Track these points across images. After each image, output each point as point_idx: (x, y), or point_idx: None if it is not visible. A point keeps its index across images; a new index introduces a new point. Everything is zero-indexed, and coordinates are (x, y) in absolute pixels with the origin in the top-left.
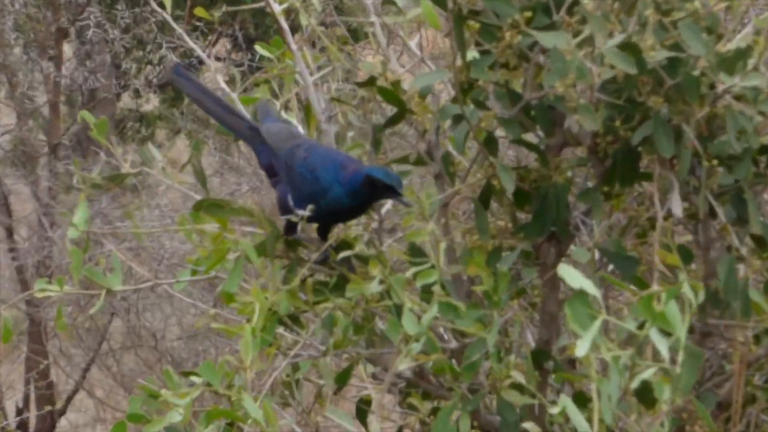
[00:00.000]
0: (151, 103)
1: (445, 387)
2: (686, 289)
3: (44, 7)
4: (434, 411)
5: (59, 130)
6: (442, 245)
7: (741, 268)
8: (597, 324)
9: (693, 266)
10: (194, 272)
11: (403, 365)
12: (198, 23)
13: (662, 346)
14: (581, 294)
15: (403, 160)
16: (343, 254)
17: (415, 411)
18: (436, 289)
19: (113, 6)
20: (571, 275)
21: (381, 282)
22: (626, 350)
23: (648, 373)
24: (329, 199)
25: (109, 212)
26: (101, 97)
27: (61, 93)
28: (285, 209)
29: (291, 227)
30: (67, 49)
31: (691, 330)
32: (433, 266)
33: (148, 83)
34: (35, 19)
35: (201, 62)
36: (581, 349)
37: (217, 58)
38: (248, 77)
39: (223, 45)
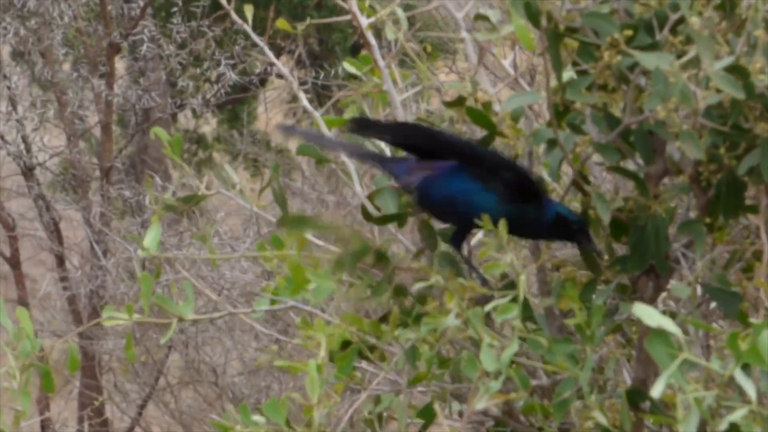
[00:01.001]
0: (209, 123)
1: (535, 427)
2: None
3: (95, 20)
4: None
5: (111, 152)
6: (523, 278)
7: None
8: (676, 363)
9: None
10: (273, 302)
11: (481, 404)
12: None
13: (748, 386)
14: (661, 332)
15: None
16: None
17: None
18: (517, 324)
19: (168, 20)
20: (647, 314)
21: (458, 315)
22: (711, 390)
23: (737, 415)
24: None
25: (165, 240)
26: (156, 117)
27: (113, 112)
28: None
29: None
30: (120, 65)
31: None
32: (513, 300)
33: (206, 102)
34: (86, 34)
35: (263, 81)
36: (657, 389)
37: (279, 76)
38: (313, 96)
39: (286, 62)
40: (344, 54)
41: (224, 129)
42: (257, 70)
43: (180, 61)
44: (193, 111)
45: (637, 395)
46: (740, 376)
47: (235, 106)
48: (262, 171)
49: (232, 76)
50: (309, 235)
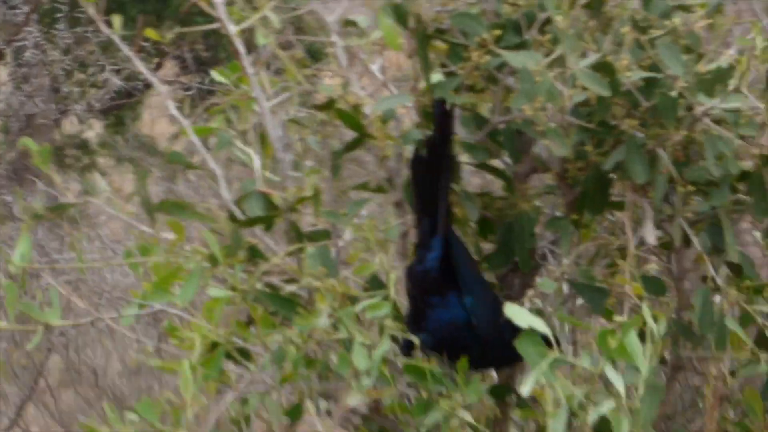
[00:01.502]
0: (94, 129)
1: (404, 424)
2: (648, 320)
3: None
4: None
5: None
6: (393, 276)
7: (716, 299)
8: (546, 362)
9: (665, 298)
10: (142, 306)
11: (354, 401)
12: (144, 44)
13: (617, 381)
14: (532, 331)
15: (363, 187)
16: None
17: None
18: (388, 322)
19: (53, 26)
20: (517, 313)
21: (330, 315)
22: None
23: (606, 408)
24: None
25: (46, 243)
26: (39, 122)
27: None
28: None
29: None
30: (3, 72)
31: (663, 362)
32: (385, 298)
33: (90, 108)
34: None
35: (147, 86)
36: (525, 388)
37: (166, 82)
38: (198, 101)
39: (171, 67)
40: (230, 59)
41: (109, 134)
42: (141, 76)
43: (64, 67)
44: (78, 116)
45: (502, 390)
46: (610, 373)
47: (120, 111)
48: (147, 176)
49: (116, 82)
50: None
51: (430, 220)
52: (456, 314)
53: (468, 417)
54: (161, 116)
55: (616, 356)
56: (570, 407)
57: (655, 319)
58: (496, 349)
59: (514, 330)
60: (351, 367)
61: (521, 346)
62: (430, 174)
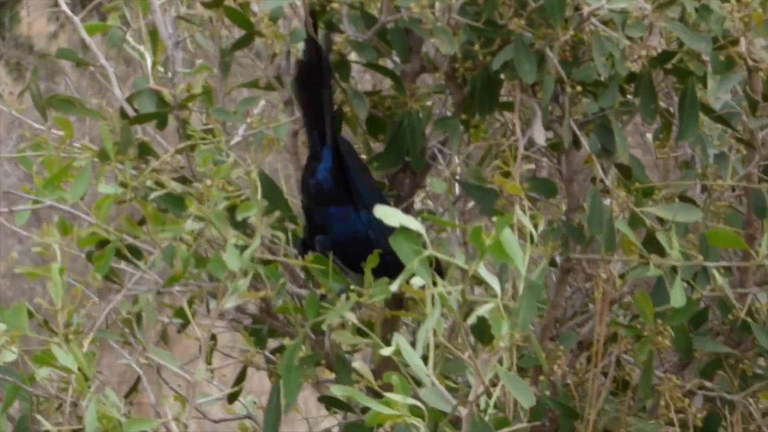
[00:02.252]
0: None
1: (293, 324)
2: (523, 218)
3: None
4: (280, 349)
5: None
6: (254, 174)
7: (606, 201)
8: (419, 259)
9: (556, 200)
10: (35, 202)
11: (230, 303)
12: None
13: (493, 281)
14: (406, 229)
15: (252, 84)
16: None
17: (261, 349)
18: (255, 221)
19: None
20: (387, 214)
21: (198, 218)
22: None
23: (484, 309)
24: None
25: None
26: None
27: None
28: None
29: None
30: None
31: (552, 265)
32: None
33: None
34: None
35: None
36: (394, 285)
37: None
38: (78, 3)
39: None
40: None
41: None
42: None
43: None
44: None
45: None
46: (484, 272)
47: None
48: (24, 75)
49: None
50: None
51: (319, 131)
52: (355, 228)
53: (353, 318)
54: (39, 16)
55: (491, 254)
56: (447, 307)
57: (535, 218)
58: (394, 260)
59: None
60: (226, 268)
61: (395, 243)
62: (314, 87)
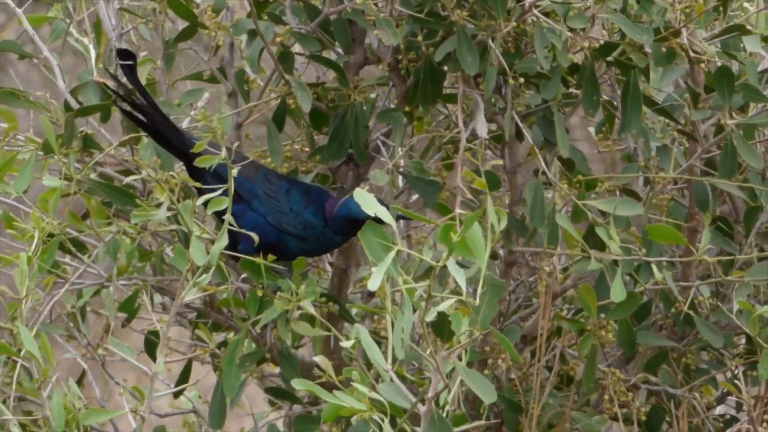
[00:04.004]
0: None
1: (239, 318)
2: (491, 214)
3: None
4: (224, 343)
5: None
6: (234, 171)
7: (549, 194)
8: (391, 255)
9: (499, 192)
10: None
11: (190, 296)
12: None
13: (460, 277)
14: (375, 224)
15: (196, 77)
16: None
17: (206, 343)
18: (228, 217)
19: None
20: (366, 200)
21: (170, 209)
22: (422, 282)
23: (445, 305)
24: (319, 237)
25: None
26: None
27: None
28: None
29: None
30: None
31: (495, 258)
32: (224, 193)
33: None
34: None
35: None
36: (374, 281)
37: None
38: None
39: None
40: None
41: None
42: None
43: None
44: None
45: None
46: (453, 268)
47: None
48: None
49: None
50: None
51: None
52: (254, 218)
53: (310, 308)
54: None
55: (458, 251)
56: (413, 303)
57: (501, 215)
58: (310, 236)
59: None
60: (188, 262)
61: (364, 238)
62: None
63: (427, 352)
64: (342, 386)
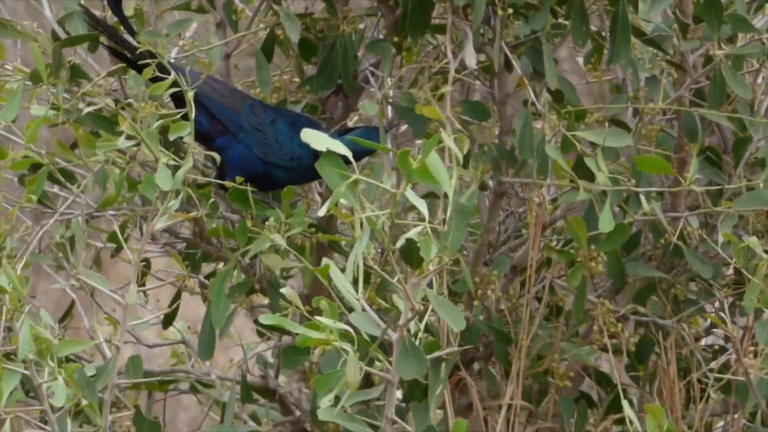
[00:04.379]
0: None
1: (227, 248)
2: (448, 142)
3: None
4: (214, 274)
5: None
6: (190, 95)
7: (538, 125)
8: (346, 183)
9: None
10: None
11: (161, 224)
12: None
13: (420, 204)
14: (332, 154)
15: (184, 7)
16: None
17: (195, 274)
18: (190, 140)
19: None
20: (314, 138)
21: (129, 137)
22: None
23: (413, 233)
24: (308, 167)
25: None
26: None
27: None
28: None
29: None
30: None
31: (483, 188)
32: (185, 117)
33: None
34: None
35: None
36: (322, 209)
37: None
38: None
39: None
40: None
41: None
42: None
43: None
44: None
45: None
46: (411, 195)
47: None
48: None
49: None
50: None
51: None
52: (241, 151)
53: (282, 242)
54: None
55: (418, 177)
56: (376, 231)
57: (460, 141)
58: (297, 166)
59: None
60: (156, 189)
61: (322, 168)
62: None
63: (395, 279)
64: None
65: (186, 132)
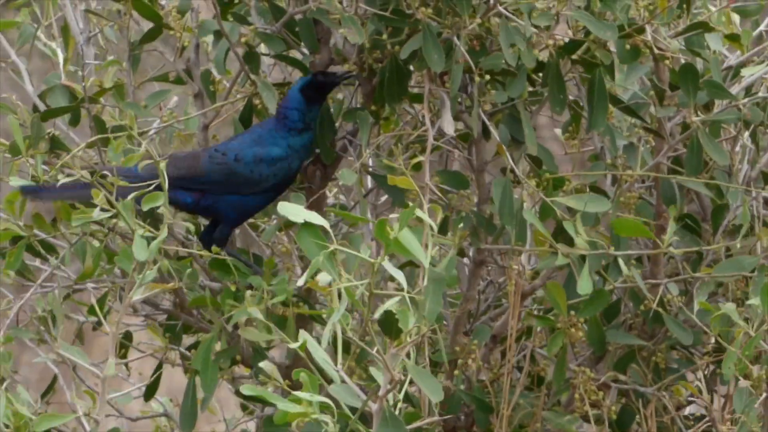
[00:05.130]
0: None
1: (206, 320)
2: (421, 214)
3: None
4: (195, 345)
5: None
6: (162, 165)
7: (517, 192)
8: (324, 253)
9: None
10: None
11: (138, 295)
12: None
13: (398, 274)
14: (310, 225)
15: (163, 78)
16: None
17: (177, 345)
18: (163, 211)
19: None
20: (290, 210)
21: (104, 209)
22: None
23: (390, 303)
24: (294, 154)
25: None
26: None
27: None
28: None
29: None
30: None
31: (462, 255)
32: (158, 188)
33: None
34: None
35: None
36: (302, 279)
37: None
38: None
39: None
40: None
41: None
42: None
43: None
44: None
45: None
46: (388, 265)
47: None
48: None
49: None
50: None
51: None
52: (225, 199)
53: (258, 314)
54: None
55: (395, 249)
56: (353, 301)
57: (434, 210)
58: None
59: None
60: (132, 261)
61: (300, 238)
62: None
63: (374, 350)
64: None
65: (160, 203)
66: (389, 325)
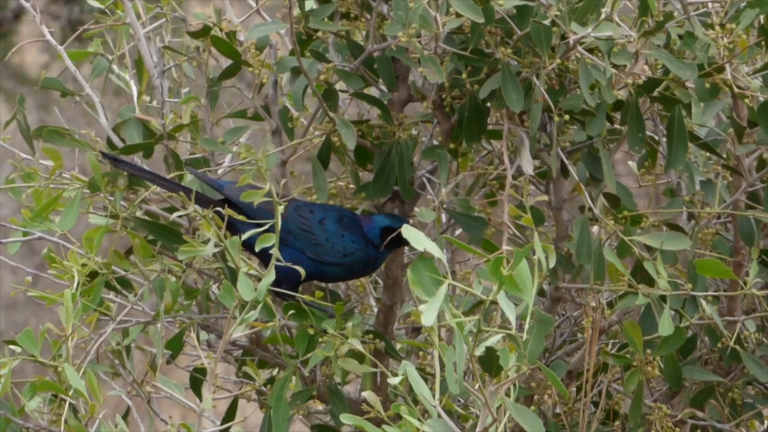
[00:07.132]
0: None
1: (285, 355)
2: (538, 250)
3: None
4: (271, 380)
5: None
6: (280, 208)
7: (594, 230)
8: (443, 289)
9: (544, 228)
10: (25, 234)
11: (238, 333)
12: None
13: (510, 312)
14: (425, 258)
15: (240, 114)
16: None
17: (252, 380)
18: (275, 252)
19: None
20: (414, 237)
21: (216, 245)
22: (472, 317)
23: (493, 340)
24: (362, 259)
25: None
26: None
27: None
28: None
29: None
30: None
31: (541, 294)
32: (271, 229)
33: None
34: None
35: (17, 15)
36: (428, 316)
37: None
38: (68, 32)
39: None
40: None
41: None
42: (11, 4)
43: None
44: None
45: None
46: (503, 302)
47: None
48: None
49: None
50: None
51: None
52: (290, 253)
53: (359, 345)
54: (32, 46)
55: (506, 286)
56: (463, 338)
57: (548, 251)
58: (351, 261)
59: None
60: (235, 298)
61: (414, 271)
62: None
63: (476, 387)
64: (390, 422)
65: (271, 243)
66: (489, 363)
